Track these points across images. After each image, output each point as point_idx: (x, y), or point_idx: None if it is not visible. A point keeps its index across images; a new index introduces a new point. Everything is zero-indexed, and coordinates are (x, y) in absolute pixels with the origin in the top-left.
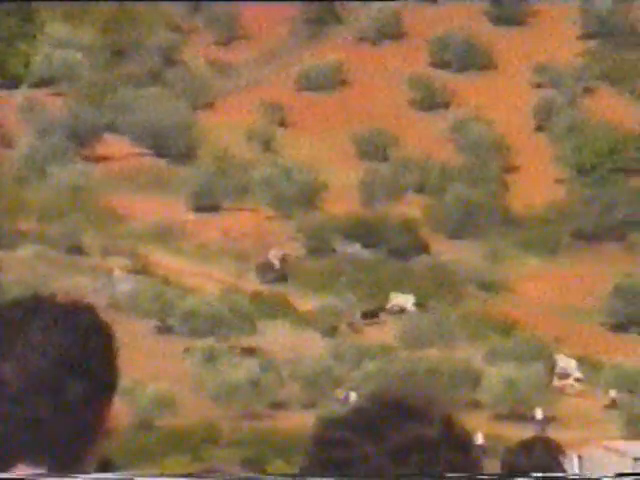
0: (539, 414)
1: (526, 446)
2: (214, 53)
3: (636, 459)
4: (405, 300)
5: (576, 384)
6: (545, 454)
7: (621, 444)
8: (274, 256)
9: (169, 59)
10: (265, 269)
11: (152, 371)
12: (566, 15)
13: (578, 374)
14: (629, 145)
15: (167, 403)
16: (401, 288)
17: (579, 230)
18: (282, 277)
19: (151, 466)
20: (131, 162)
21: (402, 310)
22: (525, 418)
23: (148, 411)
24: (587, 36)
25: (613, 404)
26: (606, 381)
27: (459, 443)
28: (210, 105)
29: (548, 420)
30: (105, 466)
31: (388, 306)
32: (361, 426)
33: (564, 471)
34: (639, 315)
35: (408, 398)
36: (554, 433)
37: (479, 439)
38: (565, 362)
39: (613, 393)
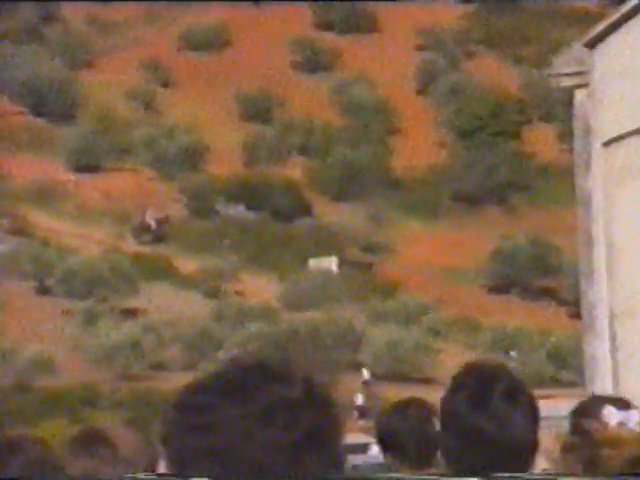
0: (366, 374)
1: (400, 407)
2: (94, 10)
3: None
4: (328, 262)
5: None
6: (419, 415)
7: None
8: (150, 217)
9: (47, 16)
10: (141, 230)
11: (30, 332)
12: None
13: None
14: (510, 109)
15: (45, 365)
16: (285, 250)
17: (460, 193)
18: (159, 238)
19: (28, 428)
20: (8, 120)
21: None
22: (405, 379)
23: (26, 372)
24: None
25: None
26: (484, 343)
27: (321, 403)
28: (90, 63)
29: (428, 381)
30: None
31: (310, 270)
32: (222, 390)
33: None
34: (518, 277)
35: (269, 360)
36: (433, 394)
37: (359, 399)
38: None
39: (512, 353)
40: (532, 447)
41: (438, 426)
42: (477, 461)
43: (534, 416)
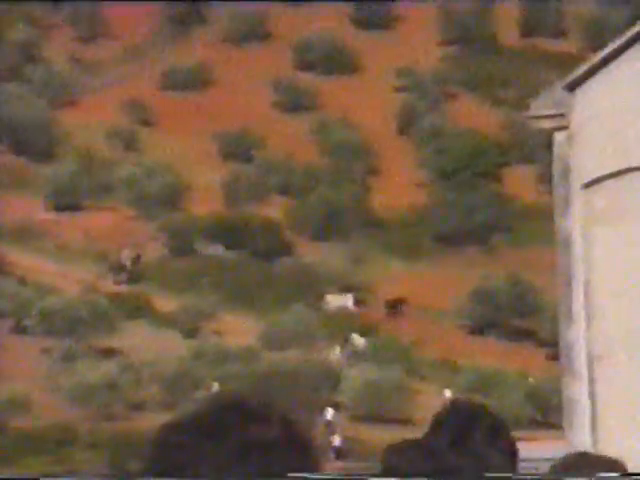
0: (329, 414)
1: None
2: (76, 50)
3: None
4: (345, 299)
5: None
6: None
7: None
8: (126, 257)
9: (29, 55)
10: (117, 270)
11: (7, 372)
12: (428, 20)
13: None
14: (489, 150)
15: (22, 404)
16: (264, 290)
17: (440, 233)
18: (136, 278)
19: (7, 468)
20: None
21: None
22: (384, 420)
23: (3, 412)
24: (448, 42)
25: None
26: (463, 384)
27: (297, 443)
28: (72, 103)
29: (406, 422)
30: None
31: (326, 307)
32: (199, 428)
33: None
34: (497, 317)
35: (247, 401)
36: (411, 435)
37: (336, 440)
38: (356, 340)
39: (448, 393)
40: None
41: None
42: None
43: (513, 457)
